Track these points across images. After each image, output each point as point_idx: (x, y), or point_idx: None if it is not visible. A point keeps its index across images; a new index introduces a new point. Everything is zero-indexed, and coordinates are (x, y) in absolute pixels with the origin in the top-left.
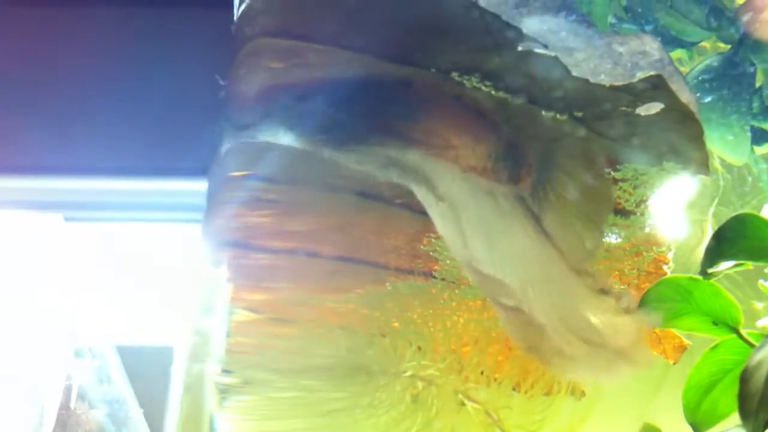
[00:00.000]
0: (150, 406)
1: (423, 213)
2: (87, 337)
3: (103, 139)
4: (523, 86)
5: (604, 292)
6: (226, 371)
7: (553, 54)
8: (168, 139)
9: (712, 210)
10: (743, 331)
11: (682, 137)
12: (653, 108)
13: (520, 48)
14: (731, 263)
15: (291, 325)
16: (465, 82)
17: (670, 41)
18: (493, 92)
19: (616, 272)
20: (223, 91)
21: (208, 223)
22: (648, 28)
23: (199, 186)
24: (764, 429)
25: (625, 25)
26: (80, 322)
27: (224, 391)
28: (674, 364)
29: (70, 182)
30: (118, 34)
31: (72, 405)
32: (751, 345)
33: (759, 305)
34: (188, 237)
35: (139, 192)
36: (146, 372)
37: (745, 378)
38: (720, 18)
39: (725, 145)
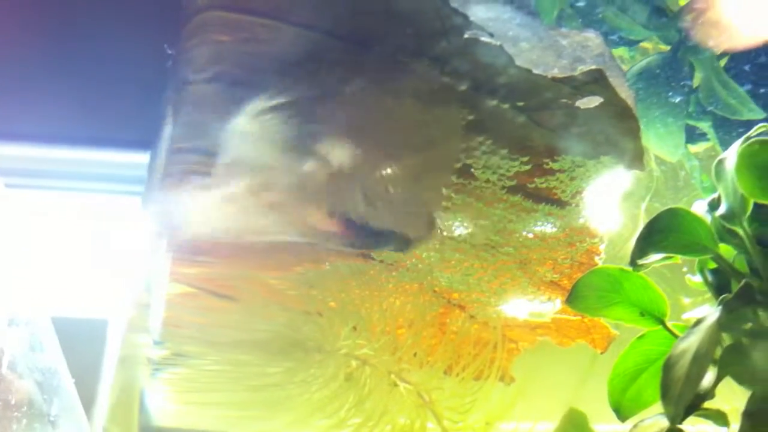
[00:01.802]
0: (82, 377)
1: None
2: (22, 305)
3: (45, 107)
4: (467, 72)
5: None
6: (159, 343)
7: (498, 43)
8: (111, 109)
9: (645, 204)
10: (669, 323)
11: (618, 131)
12: (593, 101)
13: (467, 35)
14: (660, 256)
15: (229, 300)
16: (413, 65)
17: (613, 39)
18: (439, 77)
19: (550, 261)
20: (170, 61)
21: (149, 196)
22: (591, 24)
23: (141, 158)
24: (684, 415)
25: (570, 20)
26: (16, 291)
27: (157, 364)
28: (602, 353)
29: (9, 149)
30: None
31: (2, 372)
32: (676, 336)
33: (686, 300)
34: (128, 209)
35: (81, 162)
36: (80, 344)
37: (668, 366)
38: (661, 18)
39: (660, 142)
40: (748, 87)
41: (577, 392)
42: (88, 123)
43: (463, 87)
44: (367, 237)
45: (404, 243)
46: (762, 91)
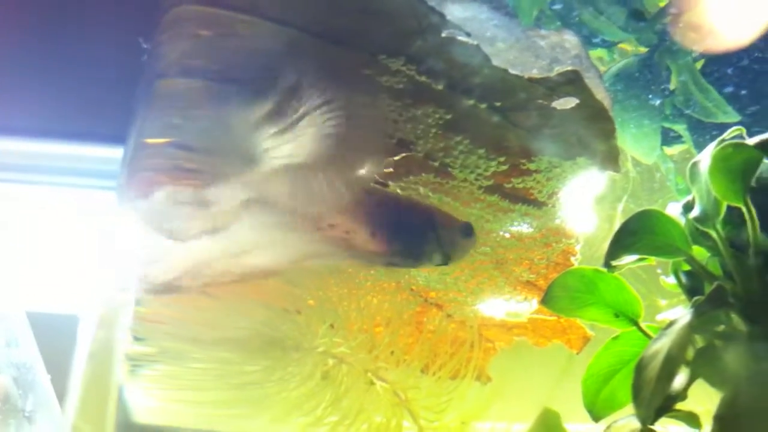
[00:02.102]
0: (58, 373)
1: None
2: None
3: (18, 101)
4: (442, 71)
5: None
6: (139, 339)
7: (475, 42)
8: (86, 103)
9: (621, 205)
10: (643, 324)
11: (594, 133)
12: (569, 102)
13: (444, 34)
14: (634, 257)
15: (210, 297)
16: (390, 65)
17: (591, 40)
18: (416, 76)
19: (526, 261)
20: (145, 55)
21: (123, 190)
22: (571, 26)
23: (116, 153)
24: (655, 416)
25: (549, 22)
26: None
27: (136, 360)
28: (578, 353)
29: None
30: None
31: None
32: (650, 338)
33: (663, 302)
34: (102, 204)
35: (55, 156)
36: (56, 339)
37: (640, 367)
38: (639, 20)
39: (636, 143)
40: (730, 89)
41: (553, 392)
42: (62, 117)
43: (439, 86)
44: (408, 255)
45: (446, 257)
46: (743, 92)
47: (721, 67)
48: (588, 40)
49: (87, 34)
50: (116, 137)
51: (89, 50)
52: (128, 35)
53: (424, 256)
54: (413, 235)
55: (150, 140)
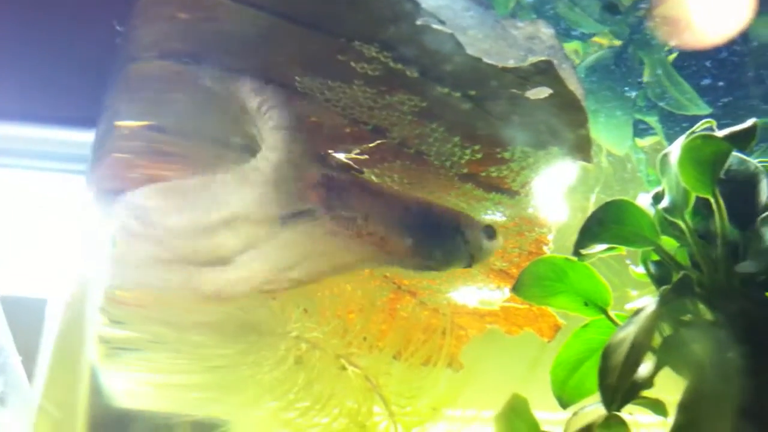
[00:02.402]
0: (27, 356)
1: None
2: None
3: None
4: (417, 59)
5: None
6: (116, 323)
7: (449, 31)
8: (58, 86)
9: (594, 196)
10: (612, 313)
11: (566, 123)
12: (542, 92)
13: (419, 22)
14: (603, 246)
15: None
16: (364, 51)
17: (570, 33)
18: (391, 63)
19: (499, 250)
20: (119, 38)
21: (94, 173)
22: (547, 18)
23: (87, 136)
24: (621, 403)
25: (525, 14)
26: None
27: (113, 344)
28: (549, 342)
29: None
30: None
31: None
32: (618, 326)
33: (634, 293)
34: (72, 188)
35: (25, 139)
36: (27, 322)
37: (606, 354)
38: (613, 13)
39: (609, 134)
40: (703, 81)
41: (524, 380)
42: (34, 100)
43: (414, 74)
44: (440, 259)
45: (471, 260)
46: (720, 84)
47: (693, 60)
48: (567, 32)
49: (58, 16)
50: (87, 121)
51: (60, 32)
52: (101, 18)
53: (453, 259)
54: (444, 239)
55: (121, 123)
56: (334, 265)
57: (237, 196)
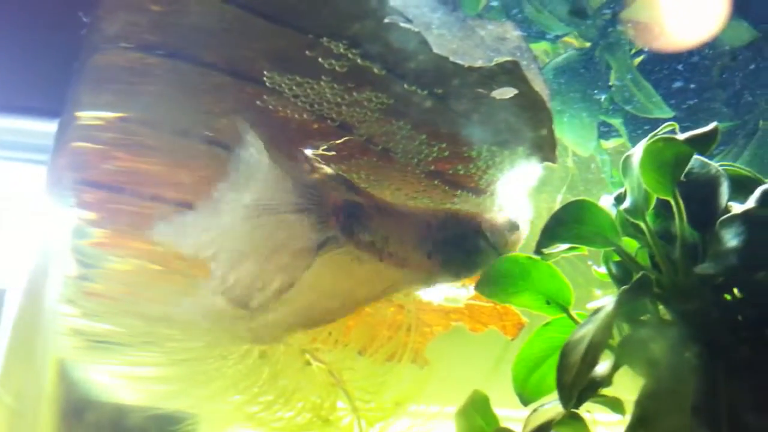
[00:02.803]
0: None
1: None
2: None
3: None
4: (384, 56)
5: None
6: (87, 315)
7: (416, 29)
8: (21, 76)
9: (560, 196)
10: (573, 312)
11: (531, 123)
12: (508, 92)
13: (387, 20)
14: (565, 246)
15: (161, 275)
16: (332, 47)
17: (534, 33)
18: (359, 60)
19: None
20: (85, 29)
21: (57, 163)
22: (517, 20)
23: (48, 127)
24: (578, 400)
25: (495, 15)
26: None
27: (85, 336)
28: (512, 340)
29: None
30: None
31: None
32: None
33: (598, 292)
34: (32, 178)
35: None
36: None
37: (565, 352)
38: (581, 16)
39: (574, 135)
40: (668, 85)
41: (488, 377)
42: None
43: (381, 71)
44: (465, 268)
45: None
46: (686, 87)
47: (659, 63)
48: (542, 35)
49: (22, 6)
50: (51, 111)
51: (24, 22)
52: (66, 7)
53: (480, 262)
54: (468, 246)
55: (84, 114)
56: (367, 293)
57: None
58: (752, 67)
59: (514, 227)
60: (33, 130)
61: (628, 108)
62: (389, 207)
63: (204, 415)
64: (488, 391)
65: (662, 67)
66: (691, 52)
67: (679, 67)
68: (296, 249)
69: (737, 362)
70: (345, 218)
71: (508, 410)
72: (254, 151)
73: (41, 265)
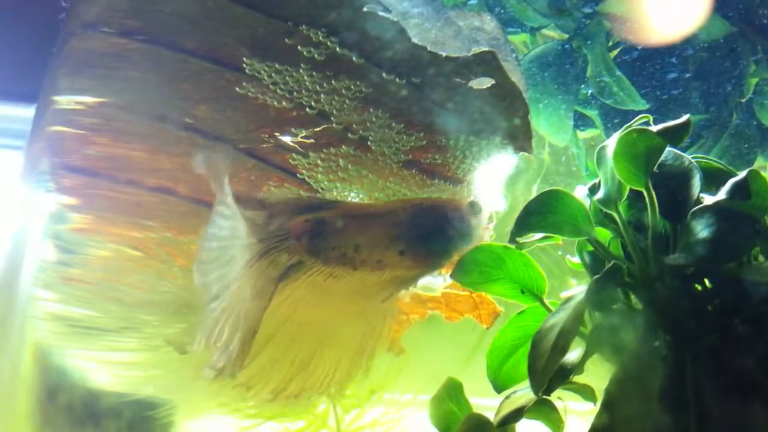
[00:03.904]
0: None
1: (265, 160)
2: None
3: None
4: (361, 45)
5: None
6: (66, 300)
7: (394, 18)
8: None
9: (536, 186)
10: (547, 301)
11: (507, 114)
12: (484, 82)
13: (365, 9)
14: (539, 235)
15: (141, 260)
16: (311, 35)
17: (512, 24)
18: (337, 49)
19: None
20: (63, 13)
21: (35, 148)
22: (494, 11)
23: (27, 112)
24: (549, 386)
25: (471, 4)
26: None
27: (63, 321)
28: (487, 328)
29: None
30: None
31: None
32: None
33: (574, 282)
34: (8, 164)
35: None
36: None
37: (536, 340)
38: (559, 8)
39: (550, 126)
40: (656, 76)
41: (463, 366)
42: None
43: (359, 60)
44: (439, 257)
45: (468, 240)
46: (662, 80)
47: (635, 56)
48: (522, 25)
49: None
50: (27, 96)
51: (2, 6)
52: None
53: (452, 248)
54: (436, 238)
55: (62, 98)
56: (357, 305)
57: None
58: (726, 60)
59: (476, 210)
60: (9, 115)
61: (603, 100)
62: (355, 211)
63: (179, 401)
64: (463, 379)
65: (639, 60)
66: (667, 46)
67: (656, 60)
68: (254, 292)
69: (704, 350)
70: (310, 240)
71: (485, 399)
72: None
73: (18, 250)
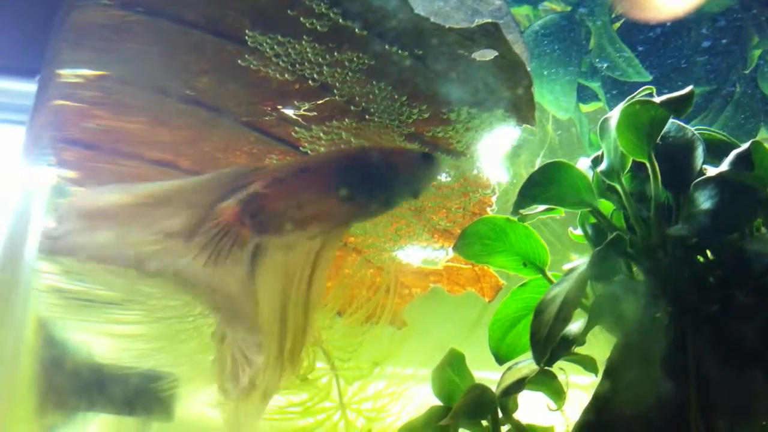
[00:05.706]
0: None
1: (267, 133)
2: None
3: None
4: (364, 16)
5: None
6: (69, 273)
7: None
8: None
9: (539, 159)
10: (549, 273)
11: (510, 86)
12: (488, 54)
13: None
14: (542, 207)
15: None
16: (314, 6)
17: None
18: (340, 20)
19: (444, 210)
20: None
21: (37, 122)
22: None
23: (29, 87)
24: (551, 357)
25: None
26: None
27: (65, 294)
28: (489, 302)
29: None
30: None
31: None
32: None
33: (575, 255)
34: (10, 138)
35: None
36: None
37: (539, 310)
38: None
39: (554, 99)
40: (644, 48)
41: (466, 339)
42: None
43: (362, 32)
44: (379, 203)
45: (415, 192)
46: (665, 51)
47: (639, 28)
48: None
49: None
50: (29, 71)
51: None
52: None
53: (393, 199)
54: (377, 184)
55: (63, 71)
56: (323, 269)
57: None
58: (729, 32)
59: (429, 161)
60: (11, 90)
61: (606, 72)
62: (282, 172)
63: (183, 374)
64: (466, 351)
65: (641, 32)
66: (670, 17)
67: (658, 31)
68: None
69: (705, 319)
70: (252, 219)
71: (487, 372)
72: None
73: (21, 223)
